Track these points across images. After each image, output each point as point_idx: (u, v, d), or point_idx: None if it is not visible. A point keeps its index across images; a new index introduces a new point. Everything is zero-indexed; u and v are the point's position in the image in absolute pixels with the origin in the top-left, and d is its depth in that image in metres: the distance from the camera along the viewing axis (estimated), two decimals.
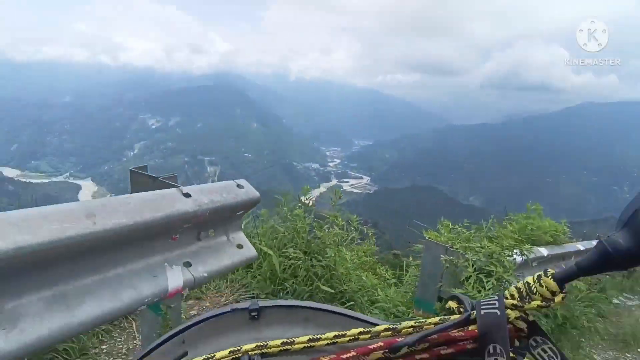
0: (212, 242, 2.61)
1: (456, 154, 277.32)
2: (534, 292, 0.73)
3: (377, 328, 0.72)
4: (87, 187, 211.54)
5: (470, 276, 3.86)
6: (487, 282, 3.85)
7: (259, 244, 4.41)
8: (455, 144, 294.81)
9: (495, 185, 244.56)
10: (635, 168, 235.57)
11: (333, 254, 4.48)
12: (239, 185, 2.75)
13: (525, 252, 4.81)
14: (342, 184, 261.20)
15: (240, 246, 2.80)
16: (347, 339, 0.73)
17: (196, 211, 2.28)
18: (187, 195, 2.32)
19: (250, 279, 4.48)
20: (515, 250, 4.68)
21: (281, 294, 4.22)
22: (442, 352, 0.71)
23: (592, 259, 0.68)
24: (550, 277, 0.71)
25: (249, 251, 2.85)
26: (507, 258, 4.21)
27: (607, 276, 8.05)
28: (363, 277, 5.05)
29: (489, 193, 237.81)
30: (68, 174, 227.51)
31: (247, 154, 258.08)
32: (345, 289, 4.55)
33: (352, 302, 4.48)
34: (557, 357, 0.68)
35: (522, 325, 0.72)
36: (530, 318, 0.73)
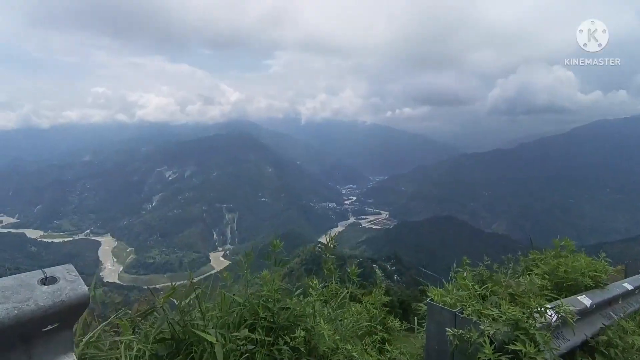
0: None
1: (472, 182, 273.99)
2: None
3: None
4: (107, 243, 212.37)
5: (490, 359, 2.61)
6: None
7: (202, 327, 3.00)
8: (469, 172, 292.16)
9: (516, 211, 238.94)
10: None
11: (307, 330, 3.25)
12: (48, 280, 1.67)
13: (562, 312, 3.28)
14: (360, 220, 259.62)
15: None
16: None
17: None
18: None
19: None
20: (549, 310, 3.20)
21: None
22: None
23: None
24: None
25: None
26: (538, 324, 2.92)
27: None
28: (354, 355, 3.37)
29: (512, 218, 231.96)
30: (88, 231, 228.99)
31: (263, 199, 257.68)
32: None
33: None
34: None
35: None
36: None
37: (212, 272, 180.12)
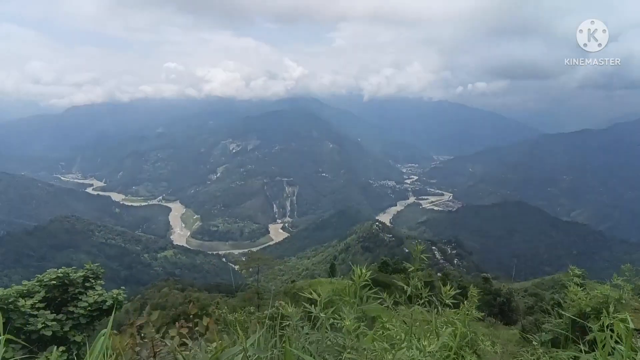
0: None
1: (551, 166, 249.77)
2: None
3: None
4: (177, 209, 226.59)
5: None
6: None
7: None
8: (549, 155, 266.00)
9: (603, 199, 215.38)
10: None
11: None
12: None
13: None
14: (420, 201, 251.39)
15: None
16: None
17: None
18: None
19: None
20: None
21: None
22: None
23: None
24: None
25: None
26: None
27: None
28: None
29: (597, 207, 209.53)
30: (161, 197, 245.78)
31: (324, 174, 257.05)
32: None
33: None
34: None
35: None
36: None
37: (271, 242, 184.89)
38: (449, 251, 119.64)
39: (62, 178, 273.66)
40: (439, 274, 60.71)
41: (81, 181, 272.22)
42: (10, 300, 6.35)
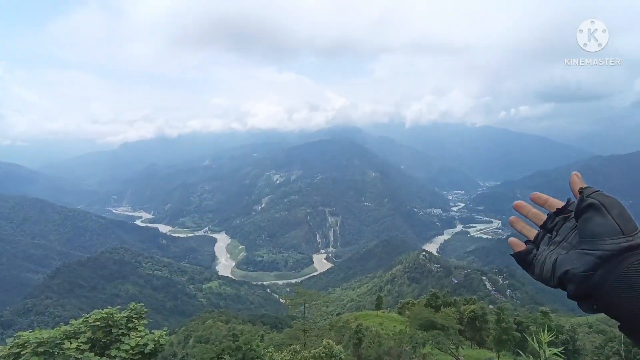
0: None
1: (607, 189, 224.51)
2: None
3: None
4: (222, 240, 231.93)
5: None
6: None
7: None
8: (604, 178, 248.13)
9: None
10: None
11: None
12: None
13: None
14: (468, 229, 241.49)
15: None
16: None
17: None
18: None
19: None
20: None
21: None
22: None
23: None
24: None
25: None
26: None
27: None
28: None
29: None
30: (207, 228, 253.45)
31: (366, 203, 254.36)
32: None
33: None
34: None
35: None
36: None
37: (315, 273, 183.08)
38: (501, 281, 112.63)
39: (114, 211, 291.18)
40: (491, 306, 56.64)
41: (131, 213, 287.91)
42: (56, 343, 6.27)
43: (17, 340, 6.14)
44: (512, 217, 1.15)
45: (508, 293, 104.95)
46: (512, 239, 1.15)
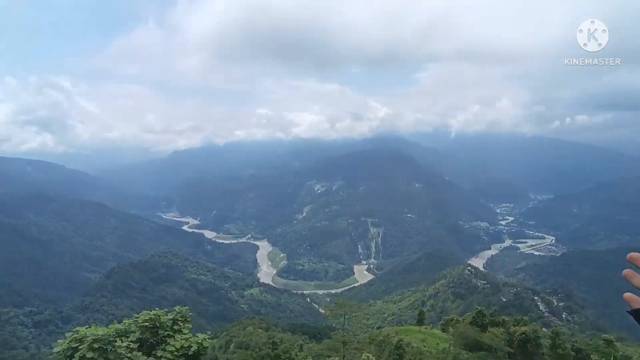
0: None
1: None
2: None
3: None
4: (264, 247, 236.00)
5: None
6: None
7: None
8: None
9: None
10: None
11: None
12: None
13: None
14: (518, 244, 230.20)
15: None
16: None
17: None
18: None
19: None
20: None
21: None
22: None
23: None
24: None
25: None
26: None
27: None
28: None
29: None
30: (250, 235, 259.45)
31: (409, 215, 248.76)
32: None
33: None
34: None
35: None
36: None
37: (356, 284, 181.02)
38: (555, 303, 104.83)
39: (164, 216, 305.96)
40: (544, 330, 52.94)
41: (179, 219, 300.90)
42: (109, 340, 6.67)
43: (75, 335, 6.61)
44: (626, 271, 1.08)
45: (564, 316, 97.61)
46: (628, 294, 1.07)
